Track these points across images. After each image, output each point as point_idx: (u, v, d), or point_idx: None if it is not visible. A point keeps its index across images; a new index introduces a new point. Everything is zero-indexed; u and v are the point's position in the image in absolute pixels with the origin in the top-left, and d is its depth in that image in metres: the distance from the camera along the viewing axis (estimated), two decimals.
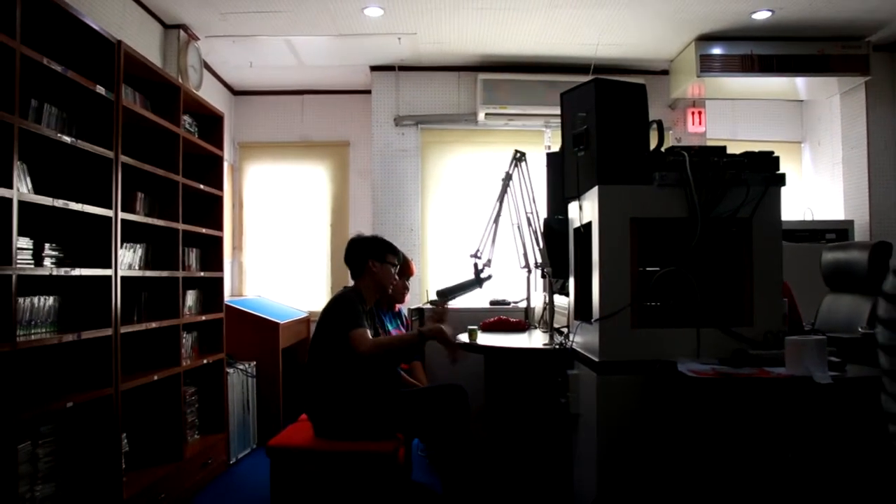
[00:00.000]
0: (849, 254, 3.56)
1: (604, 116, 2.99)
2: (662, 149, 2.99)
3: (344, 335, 3.36)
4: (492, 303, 5.30)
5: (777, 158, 2.90)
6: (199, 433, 4.49)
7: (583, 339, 3.07)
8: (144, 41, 4.73)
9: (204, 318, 4.50)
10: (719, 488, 2.39)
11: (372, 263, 3.65)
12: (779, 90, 5.86)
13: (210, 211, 4.67)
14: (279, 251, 6.78)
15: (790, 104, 6.54)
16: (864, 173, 5.58)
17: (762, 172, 2.83)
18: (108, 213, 3.24)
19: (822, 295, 3.78)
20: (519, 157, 3.90)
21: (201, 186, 4.40)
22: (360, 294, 3.61)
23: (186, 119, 4.44)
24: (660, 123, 3.03)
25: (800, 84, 5.64)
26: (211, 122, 4.79)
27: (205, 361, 4.41)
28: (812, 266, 3.96)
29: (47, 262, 2.92)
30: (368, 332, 3.43)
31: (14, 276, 2.55)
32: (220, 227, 4.74)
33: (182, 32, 5.08)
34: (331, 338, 3.46)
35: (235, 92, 6.77)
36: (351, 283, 3.78)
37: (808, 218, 6.07)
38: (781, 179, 2.85)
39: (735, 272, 2.84)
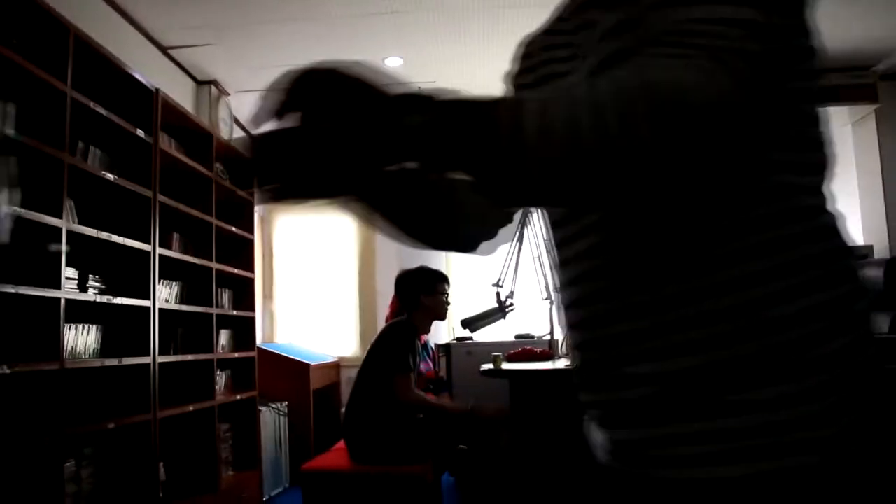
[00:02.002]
0: (864, 272, 3.64)
1: None
2: None
3: (390, 375, 3.52)
4: (517, 337, 5.40)
5: None
6: (234, 469, 4.60)
7: None
8: (178, 96, 5.00)
9: (237, 355, 4.66)
10: None
11: (424, 298, 3.81)
12: None
13: (242, 253, 4.87)
14: (309, 299, 6.95)
15: None
16: (881, 198, 5.65)
17: None
18: (147, 247, 3.44)
19: None
20: None
21: (233, 229, 4.61)
22: (414, 327, 3.75)
23: (219, 166, 4.68)
24: None
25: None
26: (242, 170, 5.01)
27: (238, 397, 4.55)
28: None
29: (91, 291, 3.11)
30: (413, 378, 3.58)
31: (63, 300, 2.74)
32: (251, 269, 4.93)
33: (213, 88, 5.36)
34: (379, 367, 3.61)
35: None
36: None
37: None
38: None
39: None
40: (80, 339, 3.08)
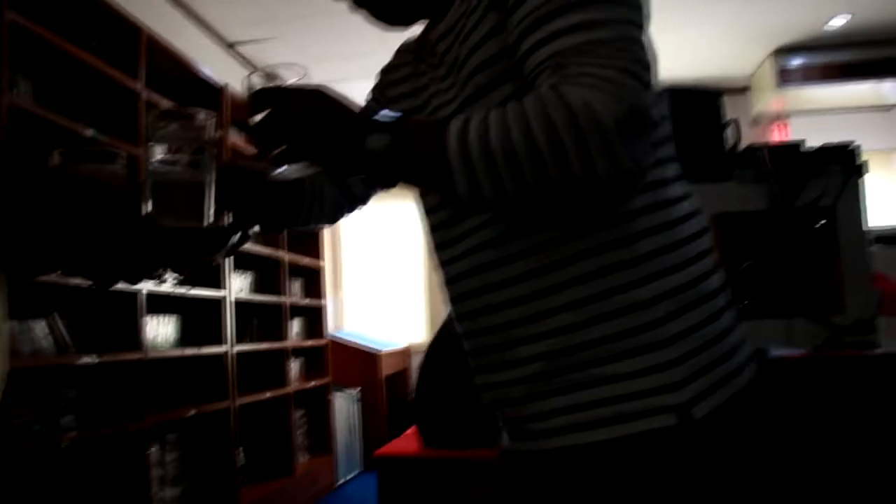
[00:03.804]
0: None
1: (680, 121, 3.08)
2: (740, 147, 3.06)
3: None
4: None
5: (855, 149, 2.93)
6: (309, 454, 4.70)
7: None
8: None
9: (309, 343, 4.76)
10: (816, 471, 2.40)
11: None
12: (865, 97, 5.78)
13: (310, 243, 4.96)
14: (377, 287, 7.01)
15: (880, 114, 6.40)
16: None
17: (841, 163, 2.87)
18: None
19: None
20: None
21: None
22: None
23: None
24: (736, 123, 3.11)
25: (887, 89, 5.56)
26: None
27: (311, 384, 4.65)
28: None
29: (168, 283, 3.21)
30: None
31: (143, 293, 2.84)
32: (320, 258, 5.02)
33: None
34: (455, 346, 3.61)
35: None
36: None
37: None
38: (862, 169, 2.88)
39: (822, 261, 2.87)
40: (160, 329, 3.19)
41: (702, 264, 0.94)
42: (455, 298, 1.03)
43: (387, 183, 0.84)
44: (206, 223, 0.85)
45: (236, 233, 0.88)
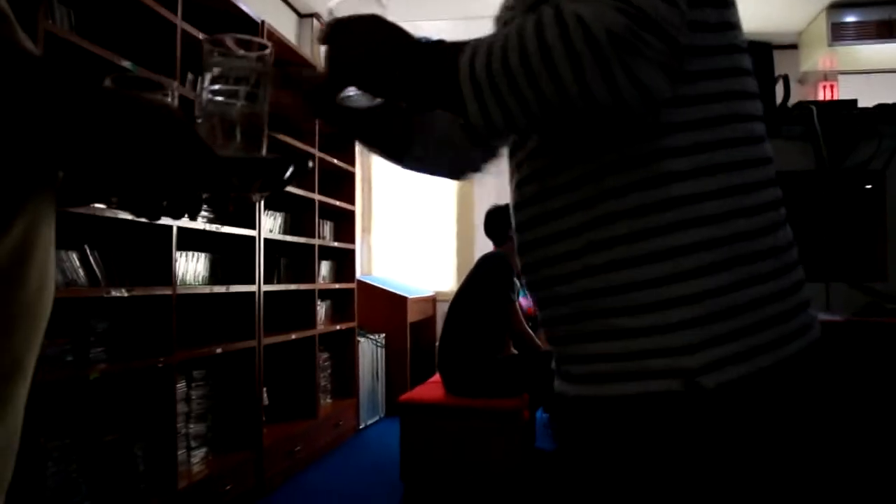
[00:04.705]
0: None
1: None
2: (789, 104, 2.95)
3: (503, 300, 3.54)
4: None
5: None
6: (332, 397, 4.74)
7: None
8: (282, 29, 5.03)
9: (337, 286, 4.76)
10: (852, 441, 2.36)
11: (512, 233, 3.76)
12: None
13: (343, 185, 4.92)
14: (406, 233, 6.99)
15: None
16: None
17: None
18: None
19: None
20: None
21: (335, 161, 4.66)
22: (508, 259, 3.70)
23: None
24: (786, 78, 3.00)
25: None
26: None
27: (337, 328, 4.67)
28: None
29: (200, 220, 3.20)
30: (518, 309, 3.63)
31: (175, 228, 2.83)
32: (352, 201, 4.99)
33: (315, 21, 5.36)
34: (477, 298, 3.61)
35: None
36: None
37: None
38: None
39: (866, 225, 2.78)
40: (191, 266, 3.19)
41: (752, 219, 0.85)
42: (516, 228, 1.01)
43: (421, 110, 0.87)
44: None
45: (292, 164, 0.85)
